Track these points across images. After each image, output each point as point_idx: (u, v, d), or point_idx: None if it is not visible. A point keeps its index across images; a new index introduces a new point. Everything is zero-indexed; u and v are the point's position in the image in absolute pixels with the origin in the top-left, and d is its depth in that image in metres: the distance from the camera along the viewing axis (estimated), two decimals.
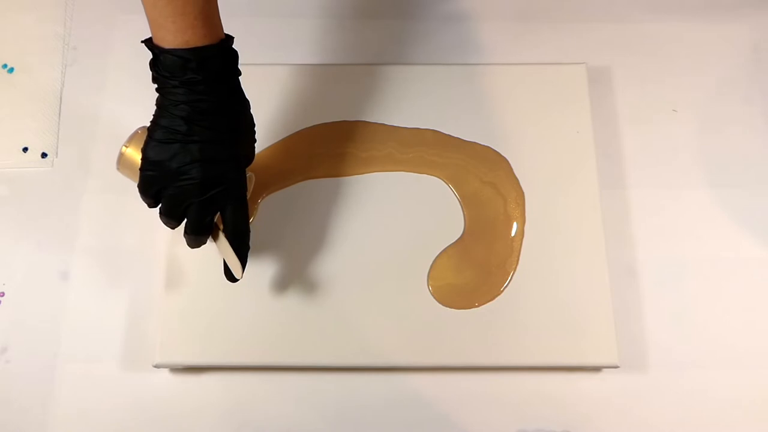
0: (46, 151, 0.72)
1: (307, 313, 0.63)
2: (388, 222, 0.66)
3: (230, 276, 0.58)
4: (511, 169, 0.68)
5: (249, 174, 0.59)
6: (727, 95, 0.74)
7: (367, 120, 0.70)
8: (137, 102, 0.73)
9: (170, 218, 0.55)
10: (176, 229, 0.57)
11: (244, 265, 0.58)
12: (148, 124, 0.54)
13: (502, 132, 0.70)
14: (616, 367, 0.62)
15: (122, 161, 0.57)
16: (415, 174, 0.68)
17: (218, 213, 0.56)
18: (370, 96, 0.71)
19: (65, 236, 0.68)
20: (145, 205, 0.56)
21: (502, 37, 0.76)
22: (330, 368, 0.63)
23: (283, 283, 0.64)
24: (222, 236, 0.57)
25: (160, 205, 0.56)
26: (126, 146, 0.57)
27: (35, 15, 0.77)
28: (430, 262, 0.65)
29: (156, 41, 0.52)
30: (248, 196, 0.59)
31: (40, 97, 0.74)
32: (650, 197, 0.70)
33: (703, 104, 0.73)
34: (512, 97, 0.71)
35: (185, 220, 0.56)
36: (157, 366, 0.62)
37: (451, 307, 0.64)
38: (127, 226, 0.69)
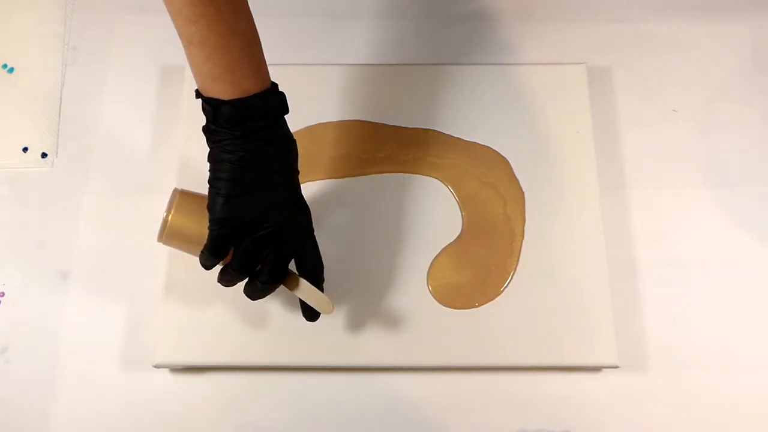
0: (46, 151, 0.72)
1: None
2: (388, 223, 0.66)
3: (312, 315, 0.58)
4: (511, 169, 0.68)
5: None
6: (727, 95, 0.74)
7: (367, 120, 0.70)
8: (137, 102, 0.73)
9: (242, 273, 0.54)
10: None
11: None
12: (179, 186, 0.54)
13: (502, 132, 0.70)
14: (616, 367, 0.62)
15: (169, 232, 0.54)
16: (415, 175, 0.68)
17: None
18: (370, 96, 0.71)
19: (65, 236, 0.68)
20: (203, 262, 0.54)
21: (502, 37, 0.76)
22: (330, 368, 0.63)
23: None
24: (301, 280, 0.56)
25: (220, 265, 0.54)
26: (169, 214, 0.54)
27: (35, 15, 0.77)
28: (430, 263, 0.65)
29: (211, 94, 0.51)
30: None
31: (40, 97, 0.74)
32: (650, 197, 0.70)
33: (703, 104, 0.73)
34: (512, 97, 0.71)
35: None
36: (157, 366, 0.62)
37: (450, 307, 0.64)
38: (127, 226, 0.69)
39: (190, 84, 0.70)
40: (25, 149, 0.72)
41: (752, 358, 0.64)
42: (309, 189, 0.68)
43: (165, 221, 0.54)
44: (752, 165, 0.71)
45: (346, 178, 0.68)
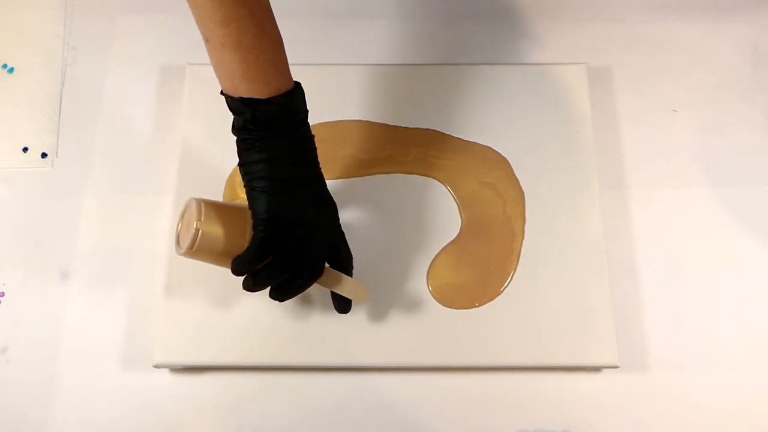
0: (46, 151, 0.72)
1: (307, 313, 0.63)
2: (388, 223, 0.66)
3: (345, 306, 0.59)
4: (511, 169, 0.68)
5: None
6: (727, 95, 0.74)
7: (367, 120, 0.70)
8: (137, 102, 0.73)
9: (285, 273, 0.54)
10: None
11: None
12: (195, 195, 0.54)
13: (502, 132, 0.70)
14: (616, 367, 0.62)
15: (201, 242, 0.52)
16: (415, 176, 0.68)
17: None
18: (370, 96, 0.71)
19: (65, 236, 0.68)
20: (234, 269, 0.53)
21: (502, 37, 0.76)
22: (330, 368, 0.63)
23: None
24: (336, 273, 0.57)
25: (254, 272, 0.53)
26: (200, 222, 0.52)
27: (35, 15, 0.77)
28: (430, 263, 0.65)
29: (244, 94, 0.51)
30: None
31: (40, 97, 0.74)
32: (650, 197, 0.70)
33: (703, 104, 0.73)
34: (512, 97, 0.71)
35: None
36: (157, 366, 0.62)
37: (451, 307, 0.64)
38: (127, 226, 0.69)
39: (190, 84, 0.70)
40: (25, 149, 0.72)
41: (752, 358, 0.64)
42: None
43: (196, 231, 0.52)
44: (752, 165, 0.71)
45: (346, 179, 0.68)
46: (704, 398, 0.63)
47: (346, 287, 0.58)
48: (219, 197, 0.66)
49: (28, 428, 0.63)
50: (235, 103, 0.52)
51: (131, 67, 0.75)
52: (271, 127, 0.52)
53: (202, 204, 0.53)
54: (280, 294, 0.56)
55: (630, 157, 0.71)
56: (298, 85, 0.55)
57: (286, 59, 0.54)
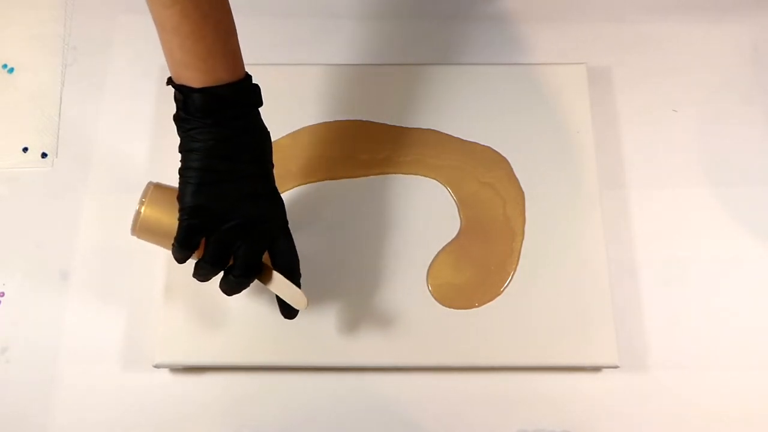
0: (46, 151, 0.72)
1: (307, 313, 0.63)
2: (388, 224, 0.66)
3: (289, 312, 0.57)
4: (511, 169, 0.68)
5: None
6: (727, 95, 0.74)
7: (366, 120, 0.70)
8: (137, 102, 0.73)
9: (215, 266, 0.53)
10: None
11: None
12: (151, 176, 0.53)
13: (502, 132, 0.70)
14: (616, 367, 0.62)
15: (141, 224, 0.53)
16: (415, 176, 0.68)
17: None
18: (369, 96, 0.71)
19: (65, 236, 0.68)
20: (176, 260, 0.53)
21: (502, 37, 0.76)
22: (330, 368, 0.63)
23: None
24: (275, 274, 0.55)
25: (194, 258, 0.53)
26: (143, 206, 0.53)
27: (35, 15, 0.77)
28: (430, 263, 0.65)
29: (183, 82, 0.51)
30: None
31: (40, 97, 0.74)
32: (650, 197, 0.70)
33: (703, 104, 0.73)
34: (512, 97, 0.71)
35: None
36: (157, 366, 0.62)
37: (451, 307, 0.64)
38: (127, 226, 0.68)
39: None
40: (25, 149, 0.72)
41: (752, 358, 0.64)
42: (309, 190, 0.68)
43: (138, 213, 0.53)
44: (752, 165, 0.71)
45: (346, 179, 0.68)
46: (704, 398, 0.63)
47: (284, 290, 0.56)
48: None
49: (28, 428, 0.63)
50: (174, 89, 0.52)
51: (131, 67, 0.75)
52: (205, 117, 0.51)
53: (152, 187, 0.54)
54: (223, 287, 0.55)
55: (630, 157, 0.71)
56: (246, 77, 0.53)
57: (236, 50, 0.53)
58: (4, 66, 0.75)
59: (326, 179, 0.68)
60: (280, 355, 0.62)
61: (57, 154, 0.72)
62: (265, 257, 0.56)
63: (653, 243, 0.68)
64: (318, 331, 0.63)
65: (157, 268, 0.66)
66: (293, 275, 0.57)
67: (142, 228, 0.54)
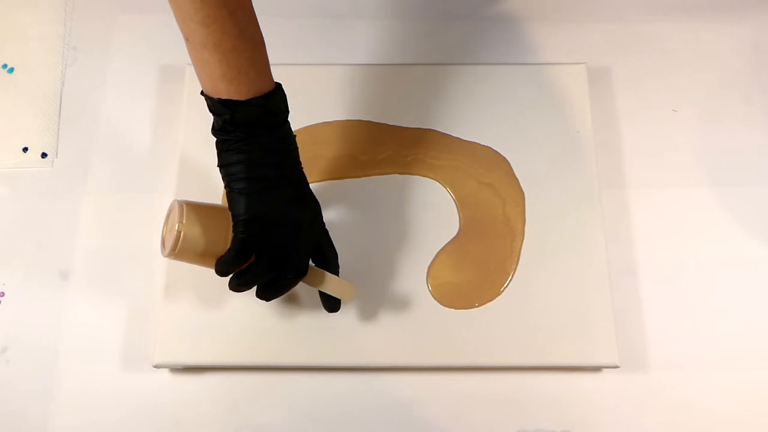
0: (46, 151, 0.72)
1: (307, 313, 0.63)
2: (388, 224, 0.67)
3: (334, 305, 0.59)
4: (511, 169, 0.68)
5: None
6: (727, 95, 0.74)
7: (366, 120, 0.70)
8: (137, 102, 0.73)
9: (269, 272, 0.54)
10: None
11: None
12: (178, 198, 0.54)
13: (502, 132, 0.70)
14: (616, 367, 0.62)
15: (183, 243, 0.52)
16: (414, 176, 0.68)
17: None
18: (370, 96, 0.71)
19: (65, 236, 0.68)
20: (220, 274, 0.53)
21: (502, 37, 0.76)
22: (330, 368, 0.63)
23: None
24: (323, 272, 0.57)
25: (238, 272, 0.54)
26: (181, 226, 0.52)
27: (35, 15, 0.77)
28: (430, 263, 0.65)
29: (227, 96, 0.51)
30: None
31: (40, 97, 0.74)
32: (650, 197, 0.70)
33: (703, 104, 0.73)
34: (512, 97, 0.71)
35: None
36: (157, 366, 0.62)
37: (450, 307, 0.64)
38: (127, 226, 0.69)
39: (190, 84, 0.70)
40: (25, 149, 0.72)
41: (752, 358, 0.64)
42: None
43: (178, 234, 0.52)
44: (752, 165, 0.71)
45: (346, 179, 0.68)
46: (704, 398, 0.63)
47: (332, 286, 0.58)
48: (218, 198, 0.66)
49: (27, 428, 0.63)
50: (214, 104, 0.52)
51: (131, 67, 0.75)
52: (251, 128, 0.52)
53: (185, 206, 0.53)
54: (265, 293, 0.56)
55: (630, 157, 0.71)
56: (278, 86, 0.54)
57: (268, 60, 0.54)
58: (4, 66, 0.75)
59: (326, 179, 0.68)
60: (280, 355, 0.62)
61: (57, 154, 0.72)
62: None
63: (653, 243, 0.68)
64: (318, 332, 0.63)
65: (157, 268, 0.66)
66: (336, 271, 0.59)
67: (183, 248, 0.52)
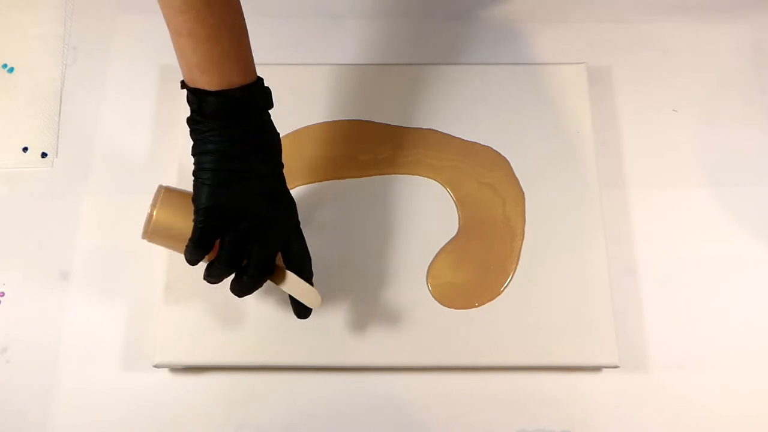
0: (46, 151, 0.72)
1: None
2: (388, 224, 0.66)
3: (303, 312, 0.58)
4: (511, 169, 0.68)
5: None
6: (727, 95, 0.74)
7: (366, 120, 0.70)
8: (137, 102, 0.73)
9: (230, 266, 0.53)
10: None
11: None
12: (163, 183, 0.54)
13: (502, 132, 0.70)
14: (616, 367, 0.62)
15: (154, 227, 0.53)
16: (414, 176, 0.68)
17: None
18: (370, 96, 0.71)
19: (65, 236, 0.68)
20: (188, 263, 0.53)
21: (502, 37, 0.76)
22: (329, 368, 0.63)
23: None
24: (289, 273, 0.56)
25: (206, 260, 0.54)
26: (155, 209, 0.53)
27: (35, 15, 0.77)
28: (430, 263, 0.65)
29: (197, 85, 0.51)
30: None
31: (40, 97, 0.74)
32: (650, 197, 0.70)
33: (704, 104, 0.73)
34: (512, 97, 0.71)
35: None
36: (157, 366, 0.62)
37: (451, 307, 0.64)
38: (127, 226, 0.68)
39: None
40: (25, 149, 0.72)
41: (752, 358, 0.64)
42: (308, 190, 0.68)
43: (150, 217, 0.53)
44: (752, 165, 0.71)
45: (346, 180, 0.68)
46: (704, 398, 0.63)
47: (297, 289, 0.56)
48: None
49: (27, 428, 0.63)
50: (187, 93, 0.52)
51: (131, 67, 0.75)
52: (221, 120, 0.51)
53: (163, 191, 0.54)
54: (235, 289, 0.55)
55: (630, 157, 0.71)
56: (259, 80, 0.54)
57: (249, 53, 0.53)
58: (4, 66, 0.75)
59: (326, 179, 0.68)
60: (280, 355, 0.62)
61: (57, 154, 0.72)
62: (278, 257, 0.56)
63: (653, 243, 0.68)
64: (318, 331, 0.63)
65: (157, 268, 0.66)
66: (306, 274, 0.57)
67: (154, 231, 0.54)
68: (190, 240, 0.52)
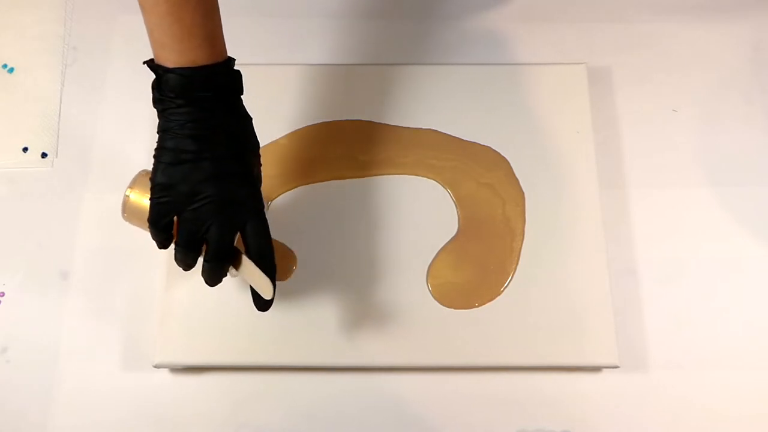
0: (46, 151, 0.72)
1: (307, 313, 0.63)
2: (388, 224, 0.67)
3: (261, 303, 0.56)
4: (511, 169, 0.68)
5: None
6: (727, 95, 0.74)
7: (366, 120, 0.70)
8: (137, 102, 0.73)
9: (188, 249, 0.53)
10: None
11: (274, 286, 0.55)
12: (150, 167, 0.53)
13: (502, 132, 0.70)
14: (616, 367, 0.62)
15: (128, 207, 0.55)
16: (414, 177, 0.68)
17: (238, 235, 0.54)
18: (370, 96, 0.71)
19: (65, 236, 0.68)
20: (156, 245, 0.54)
21: (502, 37, 0.76)
22: (330, 368, 0.63)
23: (283, 284, 0.64)
24: (244, 259, 0.54)
25: (173, 245, 0.53)
26: (130, 190, 0.54)
27: (35, 15, 0.77)
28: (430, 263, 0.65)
29: (159, 61, 0.51)
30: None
31: (40, 97, 0.74)
32: (650, 197, 0.70)
33: (703, 104, 0.73)
34: (512, 97, 0.71)
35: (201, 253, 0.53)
36: (157, 366, 0.62)
37: (450, 307, 0.64)
38: (127, 225, 0.68)
39: None
40: (25, 149, 0.72)
41: (752, 358, 0.64)
42: (309, 190, 0.68)
43: (125, 198, 0.54)
44: (752, 165, 0.71)
45: (346, 180, 0.68)
46: (704, 398, 0.63)
47: (251, 276, 0.55)
48: None
49: (27, 428, 0.63)
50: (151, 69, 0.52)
51: (131, 68, 0.75)
52: (179, 98, 0.51)
53: (141, 174, 0.55)
54: (204, 277, 0.54)
55: (630, 157, 0.71)
56: (227, 61, 0.53)
57: (216, 33, 0.52)
58: (4, 66, 0.75)
59: (326, 179, 0.68)
60: (280, 355, 0.62)
61: (57, 154, 0.72)
62: (241, 243, 0.55)
63: (653, 243, 0.68)
64: (318, 332, 0.63)
65: (157, 268, 0.66)
66: (263, 261, 0.55)
67: (127, 211, 0.55)
68: (147, 219, 0.53)
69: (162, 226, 0.52)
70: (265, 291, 0.55)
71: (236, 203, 0.53)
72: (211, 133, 0.52)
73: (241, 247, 0.55)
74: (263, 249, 0.55)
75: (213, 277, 0.54)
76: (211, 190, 0.52)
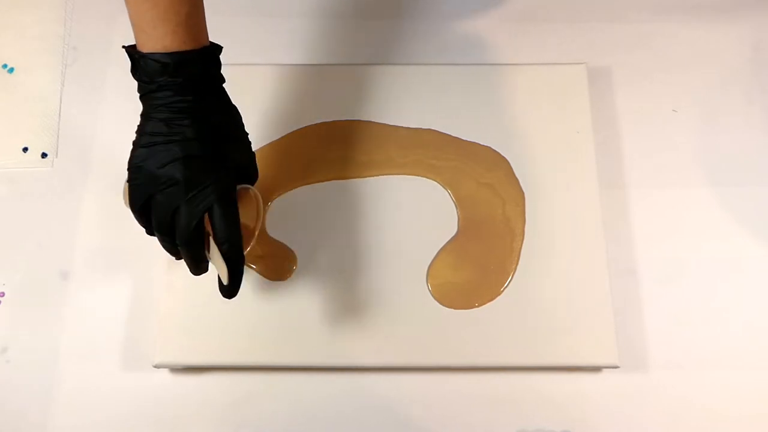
0: (46, 151, 0.72)
1: (307, 313, 0.63)
2: (388, 224, 0.66)
3: (223, 289, 0.56)
4: (511, 169, 0.68)
5: (253, 191, 0.59)
6: (727, 95, 0.74)
7: (366, 120, 0.70)
8: (137, 102, 0.73)
9: (161, 233, 0.53)
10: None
11: (236, 275, 0.54)
12: None
13: (502, 132, 0.70)
14: (616, 367, 0.62)
15: (126, 194, 0.55)
16: (414, 177, 0.68)
17: (206, 219, 0.54)
18: (370, 96, 0.71)
19: (65, 236, 0.68)
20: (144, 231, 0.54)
21: (502, 37, 0.76)
22: (330, 368, 0.63)
23: (282, 284, 0.64)
24: (211, 242, 0.54)
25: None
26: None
27: (35, 15, 0.77)
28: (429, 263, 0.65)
29: (137, 46, 0.53)
30: (258, 215, 0.58)
31: (40, 97, 0.74)
32: (650, 197, 0.70)
33: (704, 104, 0.73)
34: (512, 97, 0.71)
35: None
36: (157, 366, 0.62)
37: (451, 307, 0.64)
38: (127, 225, 0.68)
39: None
40: (25, 149, 0.72)
41: (752, 358, 0.64)
42: (309, 190, 0.68)
43: (125, 185, 0.55)
44: (752, 165, 0.71)
45: (346, 180, 0.68)
46: (704, 398, 0.63)
47: (217, 262, 0.54)
48: None
49: (28, 428, 0.63)
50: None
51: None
52: (152, 81, 0.52)
53: None
54: (185, 259, 0.55)
55: (630, 157, 0.71)
56: (205, 49, 0.53)
57: (194, 20, 0.53)
58: (4, 66, 0.75)
59: (326, 179, 0.68)
60: (280, 355, 0.62)
61: (57, 154, 0.72)
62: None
63: (653, 243, 0.68)
64: (318, 332, 0.63)
65: (157, 268, 0.66)
66: (226, 245, 0.53)
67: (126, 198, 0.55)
68: (127, 202, 0.54)
69: (138, 208, 0.54)
70: (223, 276, 0.54)
71: (199, 185, 0.53)
72: (180, 115, 0.53)
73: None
74: (226, 233, 0.54)
75: (190, 263, 0.55)
76: (178, 173, 0.52)
